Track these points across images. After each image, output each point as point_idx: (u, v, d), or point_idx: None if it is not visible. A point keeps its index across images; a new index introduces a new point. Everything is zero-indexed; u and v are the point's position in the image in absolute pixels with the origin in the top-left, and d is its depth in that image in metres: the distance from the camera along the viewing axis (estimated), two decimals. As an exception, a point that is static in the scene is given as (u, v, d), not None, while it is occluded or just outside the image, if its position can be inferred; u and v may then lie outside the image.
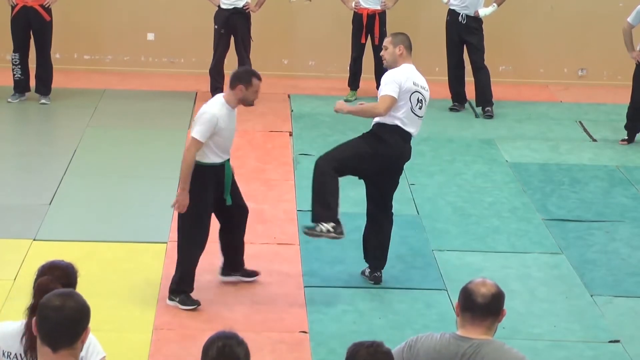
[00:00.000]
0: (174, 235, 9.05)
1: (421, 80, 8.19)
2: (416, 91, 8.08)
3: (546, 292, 8.51)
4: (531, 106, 13.47)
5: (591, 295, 8.47)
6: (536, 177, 10.99)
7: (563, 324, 8.00)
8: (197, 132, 7.71)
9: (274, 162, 11.12)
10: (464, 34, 12.91)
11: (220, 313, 7.92)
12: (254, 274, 8.44)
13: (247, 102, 7.89)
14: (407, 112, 8.07)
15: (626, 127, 12.15)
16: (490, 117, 12.99)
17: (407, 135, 8.16)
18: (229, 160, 8.03)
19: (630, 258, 9.19)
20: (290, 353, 7.43)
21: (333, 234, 8.09)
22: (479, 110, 13.11)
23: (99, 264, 8.56)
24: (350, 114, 8.35)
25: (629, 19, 11.90)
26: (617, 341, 7.78)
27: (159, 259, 8.71)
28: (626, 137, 12.14)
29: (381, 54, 8.29)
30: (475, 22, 12.91)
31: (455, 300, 8.19)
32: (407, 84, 8.03)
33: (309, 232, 8.15)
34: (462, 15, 12.86)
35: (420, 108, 8.13)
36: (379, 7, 13.08)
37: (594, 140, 12.27)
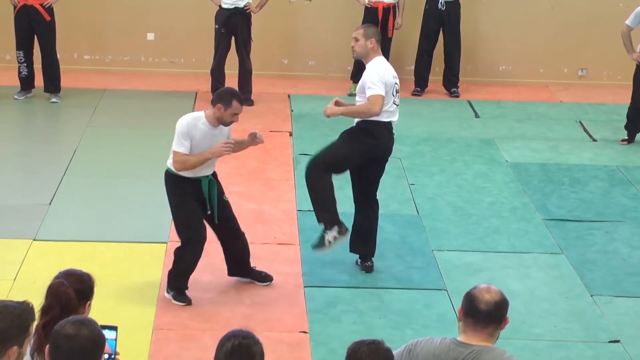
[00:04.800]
0: (174, 235, 9.05)
1: (392, 70, 8.37)
2: (394, 83, 8.30)
3: (546, 292, 8.50)
4: (531, 106, 13.47)
5: (591, 295, 8.46)
6: (536, 177, 10.99)
7: (563, 324, 7.99)
8: (175, 144, 7.76)
9: (274, 162, 11.12)
10: (443, 20, 13.36)
11: (221, 313, 7.92)
12: (267, 278, 8.41)
13: (224, 123, 7.80)
14: (390, 104, 8.26)
15: (626, 127, 12.15)
16: (457, 96, 13.54)
17: (390, 126, 8.38)
18: (207, 177, 7.93)
19: (630, 258, 9.19)
20: (290, 353, 7.43)
21: (341, 237, 8.37)
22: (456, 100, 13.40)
23: (99, 264, 8.55)
24: (344, 115, 8.36)
25: (628, 22, 11.88)
26: (617, 341, 7.78)
27: (159, 259, 8.71)
28: (626, 137, 12.14)
29: (351, 44, 8.39)
30: (454, 7, 13.32)
31: (454, 300, 8.22)
32: (387, 79, 8.20)
33: (319, 249, 8.37)
34: (441, 2, 13.19)
35: (398, 97, 8.39)
36: (393, 1, 13.18)
37: (594, 140, 12.26)
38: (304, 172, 8.55)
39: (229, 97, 7.74)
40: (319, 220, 8.42)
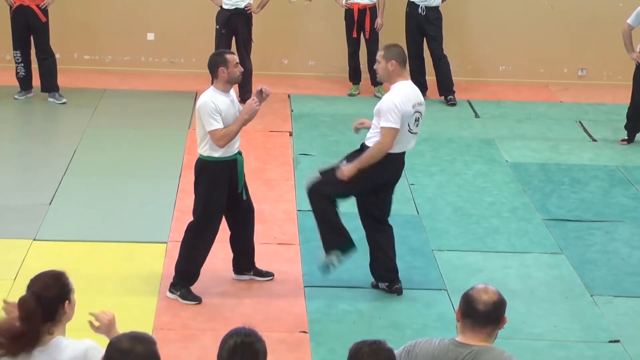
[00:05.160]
0: (174, 235, 9.06)
1: (417, 96, 7.92)
2: (415, 112, 7.86)
3: (546, 292, 8.50)
4: (531, 106, 13.47)
5: (591, 295, 8.46)
6: (536, 177, 10.99)
7: (563, 324, 7.99)
8: (209, 124, 7.77)
9: (274, 162, 11.13)
10: (423, 25, 13.19)
11: (221, 313, 7.92)
12: (267, 274, 8.45)
13: (234, 79, 7.97)
14: (403, 135, 7.85)
15: (626, 127, 12.15)
16: (454, 104, 13.28)
17: (402, 156, 8.04)
18: (240, 153, 8.04)
19: (630, 258, 9.19)
20: (290, 353, 7.43)
21: (344, 257, 8.16)
22: (443, 99, 13.41)
23: (99, 264, 8.56)
24: (360, 168, 7.92)
25: (629, 21, 11.88)
26: (617, 341, 7.78)
27: (159, 259, 8.71)
28: (626, 137, 12.14)
29: (375, 67, 8.02)
30: (434, 13, 13.17)
31: (454, 300, 8.21)
32: (406, 109, 7.76)
33: (326, 271, 8.18)
34: (421, 7, 13.13)
35: (417, 125, 7.95)
36: (369, 2, 13.16)
37: (594, 140, 12.27)
38: (307, 195, 8.25)
39: (220, 57, 8.00)
40: (325, 247, 8.08)
